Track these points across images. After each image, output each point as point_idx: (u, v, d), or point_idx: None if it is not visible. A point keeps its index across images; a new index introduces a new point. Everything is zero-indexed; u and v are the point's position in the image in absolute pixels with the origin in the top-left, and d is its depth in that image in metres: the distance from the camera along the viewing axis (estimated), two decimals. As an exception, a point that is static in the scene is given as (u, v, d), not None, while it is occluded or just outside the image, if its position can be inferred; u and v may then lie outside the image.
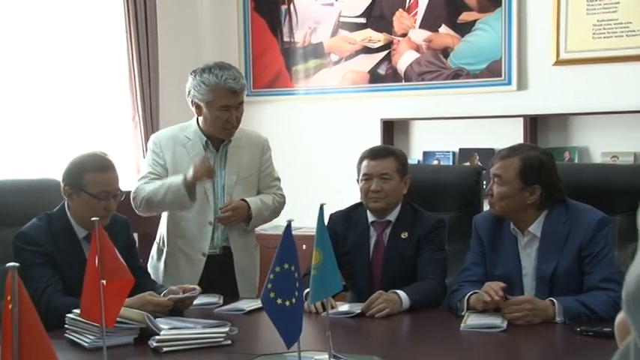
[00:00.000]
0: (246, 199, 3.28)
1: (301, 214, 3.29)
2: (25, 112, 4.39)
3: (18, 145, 4.33)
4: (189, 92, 3.24)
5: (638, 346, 0.93)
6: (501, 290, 2.58)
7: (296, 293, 1.86)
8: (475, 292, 2.68)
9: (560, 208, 2.76)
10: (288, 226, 1.90)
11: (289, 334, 1.87)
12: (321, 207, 2.17)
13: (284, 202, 3.45)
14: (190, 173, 3.11)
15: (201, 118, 3.27)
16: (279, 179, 3.47)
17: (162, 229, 3.38)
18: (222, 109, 3.18)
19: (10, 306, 1.26)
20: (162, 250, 3.35)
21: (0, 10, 4.26)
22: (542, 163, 2.76)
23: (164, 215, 3.37)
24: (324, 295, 2.24)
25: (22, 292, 1.26)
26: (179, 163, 3.27)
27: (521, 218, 2.77)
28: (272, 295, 1.84)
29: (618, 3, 4.60)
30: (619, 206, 3.02)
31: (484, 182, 3.53)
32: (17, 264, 1.28)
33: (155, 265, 3.34)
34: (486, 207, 3.68)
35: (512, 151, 2.80)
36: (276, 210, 3.41)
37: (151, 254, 3.40)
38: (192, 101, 3.25)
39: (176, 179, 3.16)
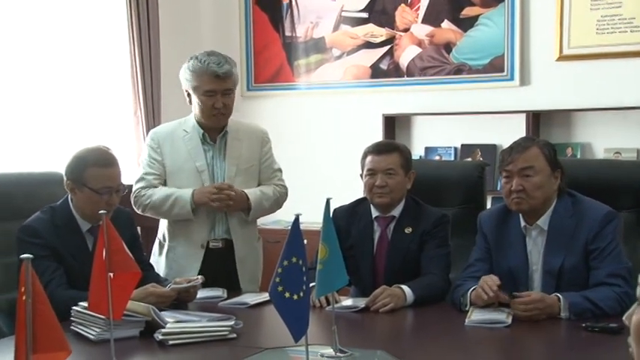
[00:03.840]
0: (245, 190, 3.28)
1: (302, 209, 3.26)
2: (30, 106, 4.39)
3: (22, 139, 4.33)
4: (182, 82, 3.28)
5: None
6: (496, 285, 2.58)
7: (304, 287, 1.86)
8: (476, 288, 2.68)
9: (567, 202, 2.76)
10: (297, 220, 1.90)
11: (297, 328, 1.86)
12: (328, 202, 2.18)
13: (286, 193, 3.45)
14: (198, 195, 3.18)
15: (193, 108, 3.28)
16: (280, 170, 3.47)
17: (162, 224, 3.39)
18: (207, 94, 3.20)
19: (23, 297, 1.26)
20: (163, 245, 3.36)
21: (4, 6, 4.25)
22: (554, 146, 2.83)
23: None
24: (330, 289, 2.25)
25: (35, 284, 1.26)
26: (177, 157, 3.29)
27: (542, 211, 2.75)
28: (280, 288, 1.83)
29: (622, -2, 4.61)
30: (622, 203, 3.02)
31: (487, 178, 3.52)
32: (31, 256, 1.27)
33: (156, 261, 3.35)
34: (490, 203, 3.68)
35: (528, 142, 2.80)
36: (277, 201, 3.40)
37: (153, 251, 3.41)
38: (185, 91, 3.28)
39: (184, 195, 3.21)
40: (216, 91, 3.20)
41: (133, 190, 3.28)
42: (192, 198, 3.19)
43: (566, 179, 2.80)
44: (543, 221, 2.76)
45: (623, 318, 1.17)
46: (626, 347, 1.22)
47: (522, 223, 2.79)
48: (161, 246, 3.38)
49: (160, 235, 3.41)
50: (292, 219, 1.96)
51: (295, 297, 1.84)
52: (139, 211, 3.30)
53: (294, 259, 1.86)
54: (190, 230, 3.28)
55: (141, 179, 3.30)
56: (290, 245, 1.87)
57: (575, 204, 2.76)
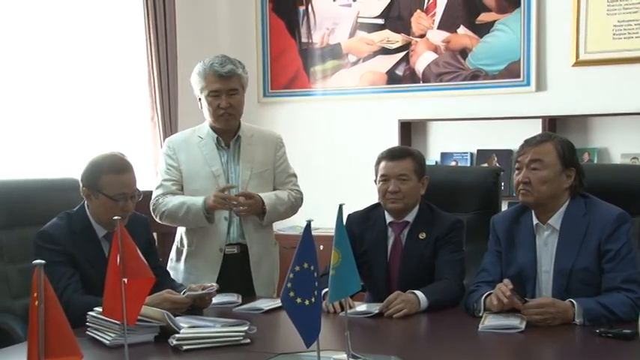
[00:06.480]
0: (261, 194, 3.29)
1: (318, 215, 3.26)
2: (47, 111, 4.44)
3: (39, 145, 4.38)
4: (193, 88, 3.33)
5: None
6: (510, 291, 2.57)
7: (315, 293, 1.87)
8: (491, 293, 2.68)
9: (580, 202, 2.76)
10: (308, 226, 1.91)
11: (308, 333, 1.87)
12: (340, 207, 2.18)
13: (301, 198, 3.46)
14: (210, 200, 3.18)
15: (205, 113, 3.32)
16: (295, 175, 3.48)
17: (180, 230, 3.41)
18: (212, 94, 3.25)
19: (36, 303, 1.28)
20: (182, 251, 3.38)
21: (20, 10, 4.30)
22: (573, 146, 2.83)
23: None
24: (343, 294, 2.25)
25: (48, 289, 1.28)
26: (193, 163, 3.33)
27: (550, 208, 2.75)
28: (291, 294, 1.85)
29: (639, 3, 4.58)
30: (638, 207, 3.00)
31: (502, 183, 3.52)
32: (43, 261, 1.29)
33: (175, 267, 3.37)
34: (505, 209, 3.67)
35: (544, 137, 2.83)
36: (292, 206, 3.42)
37: (170, 256, 3.43)
38: (197, 97, 3.33)
39: (196, 202, 3.22)
40: (221, 90, 3.24)
41: (153, 197, 3.32)
42: (204, 205, 3.21)
43: (586, 182, 2.80)
44: (555, 220, 2.75)
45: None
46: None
47: (535, 221, 2.79)
48: (179, 252, 3.40)
49: (177, 241, 3.43)
50: (306, 225, 1.97)
51: (307, 302, 1.85)
52: (157, 219, 3.32)
53: (305, 265, 1.87)
54: (208, 235, 3.30)
55: (159, 186, 3.33)
56: (301, 251, 1.88)
57: (588, 205, 2.76)
